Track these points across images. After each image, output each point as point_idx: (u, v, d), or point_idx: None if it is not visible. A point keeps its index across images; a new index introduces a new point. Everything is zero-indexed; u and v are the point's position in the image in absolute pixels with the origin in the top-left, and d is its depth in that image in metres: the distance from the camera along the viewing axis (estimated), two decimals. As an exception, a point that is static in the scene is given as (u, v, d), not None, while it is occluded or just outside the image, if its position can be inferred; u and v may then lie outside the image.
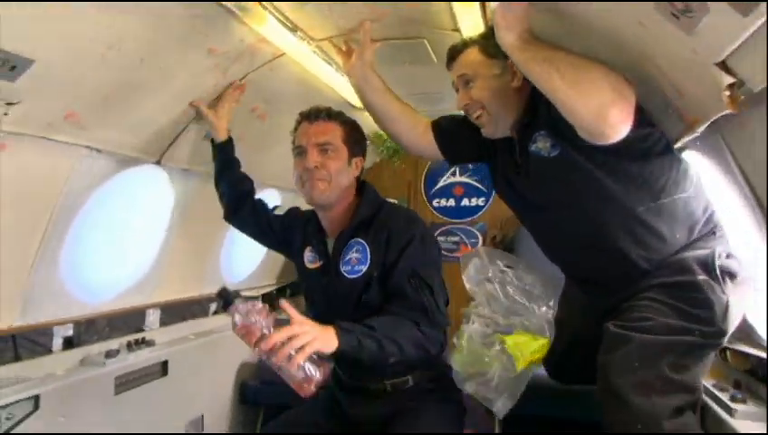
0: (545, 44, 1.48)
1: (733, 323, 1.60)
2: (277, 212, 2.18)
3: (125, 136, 2.13)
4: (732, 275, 1.54)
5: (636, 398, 1.40)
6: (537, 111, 1.64)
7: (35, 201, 1.96)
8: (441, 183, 4.52)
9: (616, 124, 1.41)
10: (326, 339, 1.46)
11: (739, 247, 1.73)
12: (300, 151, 1.88)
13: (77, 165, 2.01)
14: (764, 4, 0.96)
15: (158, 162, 2.38)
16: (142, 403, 2.44)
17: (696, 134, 1.62)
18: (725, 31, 1.11)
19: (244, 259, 3.59)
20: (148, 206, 2.59)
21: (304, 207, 2.12)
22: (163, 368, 2.58)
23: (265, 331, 1.45)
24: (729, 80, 1.23)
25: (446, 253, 4.42)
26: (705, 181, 1.73)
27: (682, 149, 1.79)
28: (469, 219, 4.45)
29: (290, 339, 1.40)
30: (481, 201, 4.44)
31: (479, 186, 4.44)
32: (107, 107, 1.93)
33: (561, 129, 1.54)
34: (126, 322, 2.56)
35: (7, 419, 1.80)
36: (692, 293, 1.51)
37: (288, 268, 4.10)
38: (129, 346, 2.47)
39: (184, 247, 2.84)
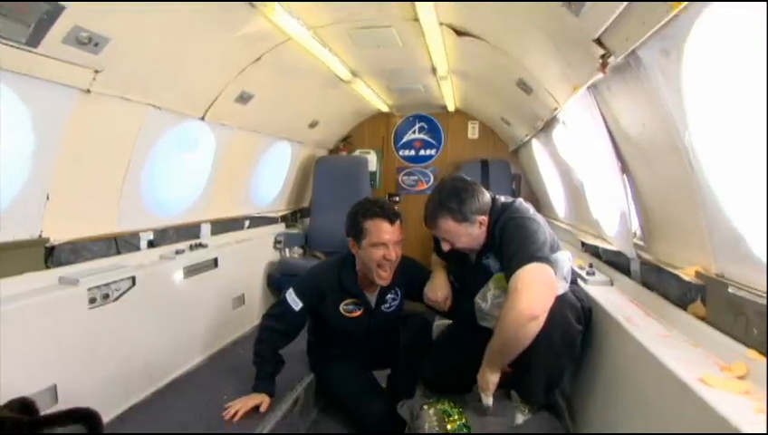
0: (494, 352, 1.54)
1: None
2: (297, 304, 1.91)
3: (178, 98, 2.13)
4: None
5: None
6: (493, 239, 1.66)
7: (120, 143, 1.98)
8: (405, 138, 4.53)
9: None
10: None
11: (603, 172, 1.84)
12: (382, 245, 1.80)
13: (146, 117, 2.02)
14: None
15: (202, 118, 2.38)
16: (203, 284, 2.54)
17: (578, 94, 1.72)
18: (600, 13, 1.17)
19: (266, 191, 3.61)
20: (198, 149, 2.59)
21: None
22: (215, 262, 2.66)
23: None
24: (601, 51, 1.31)
25: (408, 187, 4.56)
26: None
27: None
28: (424, 164, 4.52)
29: None
30: (433, 151, 4.49)
31: (432, 141, 4.48)
32: (164, 75, 1.93)
33: (497, 252, 1.64)
34: (187, 231, 2.62)
35: (116, 290, 1.92)
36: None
37: (296, 198, 4.17)
38: (191, 247, 2.55)
39: (223, 180, 2.85)
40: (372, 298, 1.97)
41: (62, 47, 1.45)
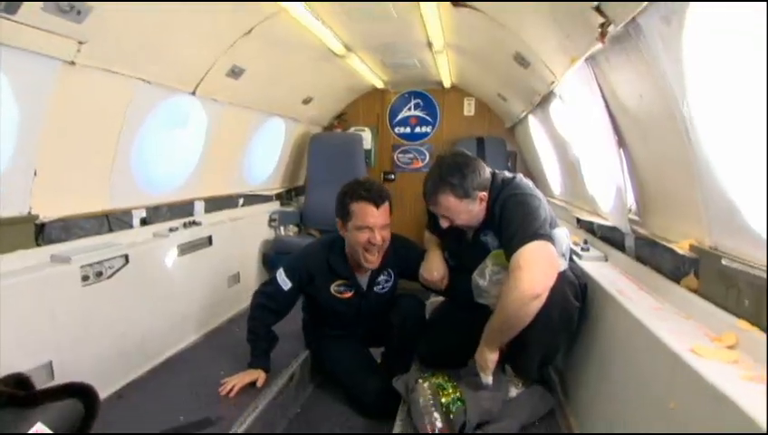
0: (494, 331, 1.54)
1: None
2: (286, 284, 1.91)
3: (167, 71, 2.06)
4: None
5: None
6: (492, 216, 1.62)
7: (108, 118, 1.92)
8: (400, 115, 4.44)
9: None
10: None
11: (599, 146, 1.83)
12: (367, 228, 1.78)
13: (135, 92, 1.96)
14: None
15: (192, 93, 2.32)
16: (198, 262, 2.53)
17: (576, 67, 1.68)
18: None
19: (260, 168, 3.57)
20: (189, 125, 2.52)
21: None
22: (209, 240, 2.65)
23: None
24: (601, 20, 1.26)
25: (403, 165, 4.50)
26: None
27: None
28: (419, 142, 4.45)
29: None
30: (429, 129, 4.42)
31: (428, 118, 4.40)
32: (151, 47, 1.86)
33: (496, 229, 1.61)
34: (181, 209, 2.59)
35: (109, 268, 1.91)
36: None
37: (290, 175, 4.12)
38: (185, 225, 2.52)
39: (216, 157, 2.80)
40: (363, 280, 1.96)
41: (43, 15, 1.38)
